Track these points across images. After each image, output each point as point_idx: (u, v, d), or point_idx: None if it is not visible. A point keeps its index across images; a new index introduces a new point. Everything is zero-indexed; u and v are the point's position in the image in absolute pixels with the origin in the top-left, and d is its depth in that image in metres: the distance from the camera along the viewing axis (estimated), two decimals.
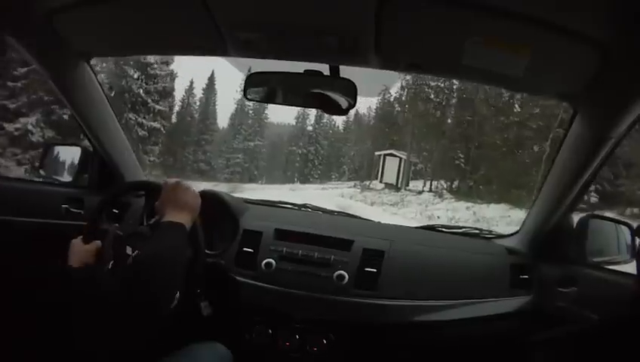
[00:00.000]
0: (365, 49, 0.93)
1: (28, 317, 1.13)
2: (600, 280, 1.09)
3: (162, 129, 17.37)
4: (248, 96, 1.08)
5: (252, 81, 1.08)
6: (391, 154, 18.52)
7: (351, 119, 27.20)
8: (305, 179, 24.76)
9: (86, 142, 1.46)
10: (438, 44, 0.90)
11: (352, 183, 20.32)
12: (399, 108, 20.54)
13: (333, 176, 25.61)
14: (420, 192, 16.26)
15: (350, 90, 1.01)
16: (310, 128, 27.04)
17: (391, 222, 1.51)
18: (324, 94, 1.02)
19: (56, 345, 0.98)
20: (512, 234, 1.38)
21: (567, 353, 1.16)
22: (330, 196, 14.66)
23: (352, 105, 1.01)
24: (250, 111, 26.59)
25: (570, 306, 1.10)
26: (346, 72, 1.02)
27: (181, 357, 0.96)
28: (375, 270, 1.19)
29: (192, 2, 0.85)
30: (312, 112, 25.34)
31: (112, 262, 1.00)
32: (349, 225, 1.42)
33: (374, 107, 24.12)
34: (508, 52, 0.85)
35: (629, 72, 0.80)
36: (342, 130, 27.84)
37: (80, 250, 1.02)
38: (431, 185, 16.86)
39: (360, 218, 1.53)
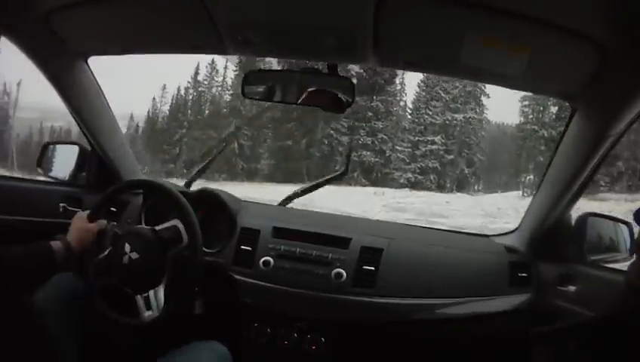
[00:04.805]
0: (363, 47, 0.92)
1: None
2: (599, 279, 1.08)
3: None
4: (246, 95, 1.08)
5: (250, 79, 1.08)
6: None
7: None
8: None
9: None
10: (437, 42, 0.90)
11: None
12: None
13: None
14: None
15: (348, 88, 1.01)
16: None
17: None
18: (323, 92, 1.02)
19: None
20: (510, 232, 1.37)
21: (566, 350, 1.16)
22: None
23: (349, 104, 1.01)
24: None
25: (569, 304, 1.10)
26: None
27: (180, 355, 0.95)
28: (373, 268, 1.19)
29: (190, 1, 0.84)
30: None
31: (108, 250, 0.99)
32: (347, 222, 1.42)
33: None
34: (507, 51, 0.85)
35: (627, 70, 0.80)
36: None
37: (82, 227, 0.98)
38: None
39: (358, 216, 1.53)
